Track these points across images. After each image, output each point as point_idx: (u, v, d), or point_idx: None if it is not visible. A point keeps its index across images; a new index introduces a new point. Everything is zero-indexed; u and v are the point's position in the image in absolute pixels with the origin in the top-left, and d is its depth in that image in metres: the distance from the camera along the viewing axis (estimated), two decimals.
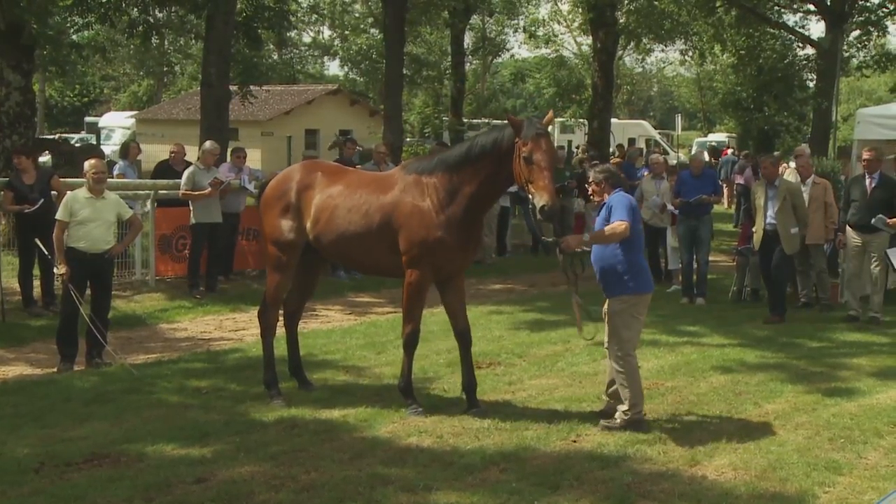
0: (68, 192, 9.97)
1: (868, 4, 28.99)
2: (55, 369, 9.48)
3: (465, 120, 35.21)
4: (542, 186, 7.04)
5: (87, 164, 9.79)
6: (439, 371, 9.26)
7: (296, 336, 8.70)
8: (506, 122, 7.48)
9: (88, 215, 9.43)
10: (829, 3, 26.66)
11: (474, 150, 7.53)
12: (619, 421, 7.32)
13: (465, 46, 37.59)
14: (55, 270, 9.86)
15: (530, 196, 7.17)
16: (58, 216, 9.53)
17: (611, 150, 26.97)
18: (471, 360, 7.96)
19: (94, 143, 37.97)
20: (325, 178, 8.04)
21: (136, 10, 19.27)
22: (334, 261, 8.32)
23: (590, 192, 7.84)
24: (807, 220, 12.33)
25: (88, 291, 9.76)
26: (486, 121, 41.33)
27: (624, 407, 7.34)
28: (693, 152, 26.60)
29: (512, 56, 64.03)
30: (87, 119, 52.45)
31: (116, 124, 45.42)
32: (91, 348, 9.65)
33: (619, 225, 7.20)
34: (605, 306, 7.52)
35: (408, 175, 7.78)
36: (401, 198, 7.65)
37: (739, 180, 23.78)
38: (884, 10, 29.07)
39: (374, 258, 7.89)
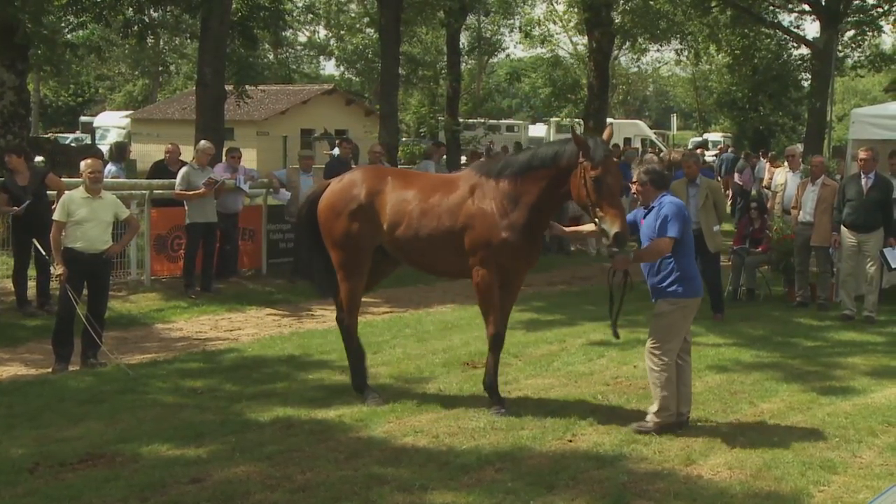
0: (65, 193, 9.95)
1: (863, 4, 29.06)
2: (50, 370, 9.46)
3: (461, 119, 35.20)
4: (614, 213, 7.08)
5: (84, 164, 9.76)
6: (435, 371, 9.25)
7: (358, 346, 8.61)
8: (567, 136, 7.51)
9: (85, 215, 9.41)
10: (823, 3, 26.73)
11: (535, 160, 7.61)
12: (650, 424, 7.25)
13: (461, 46, 37.55)
14: (52, 270, 9.83)
15: (597, 221, 7.16)
16: (55, 216, 9.51)
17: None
18: (497, 361, 8.03)
19: (90, 142, 37.94)
20: (396, 182, 8.15)
21: (131, 9, 19.24)
22: (407, 264, 8.42)
23: (633, 192, 7.85)
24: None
25: (85, 292, 9.74)
26: (482, 120, 41.48)
27: (654, 408, 7.29)
28: (688, 149, 26.61)
29: (507, 56, 64.19)
30: (82, 119, 52.43)
31: (111, 124, 45.42)
32: (86, 348, 9.64)
33: (664, 242, 7.19)
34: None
35: (474, 178, 7.90)
36: (466, 199, 7.77)
37: (738, 180, 23.79)
38: (878, 10, 29.14)
39: (444, 260, 8.00)
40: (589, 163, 7.14)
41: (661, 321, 7.32)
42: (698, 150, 33.12)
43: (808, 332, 11.50)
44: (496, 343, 7.88)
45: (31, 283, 12.12)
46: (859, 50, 33.65)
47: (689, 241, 7.42)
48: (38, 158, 19.59)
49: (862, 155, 12.25)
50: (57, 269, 9.50)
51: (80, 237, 9.41)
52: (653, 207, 7.36)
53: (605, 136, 7.44)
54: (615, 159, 7.28)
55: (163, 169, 14.59)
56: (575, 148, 7.29)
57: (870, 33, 31.83)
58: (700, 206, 11.86)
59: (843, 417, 7.71)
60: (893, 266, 12.19)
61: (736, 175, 24.19)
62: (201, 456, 6.63)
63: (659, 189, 7.42)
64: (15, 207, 11.54)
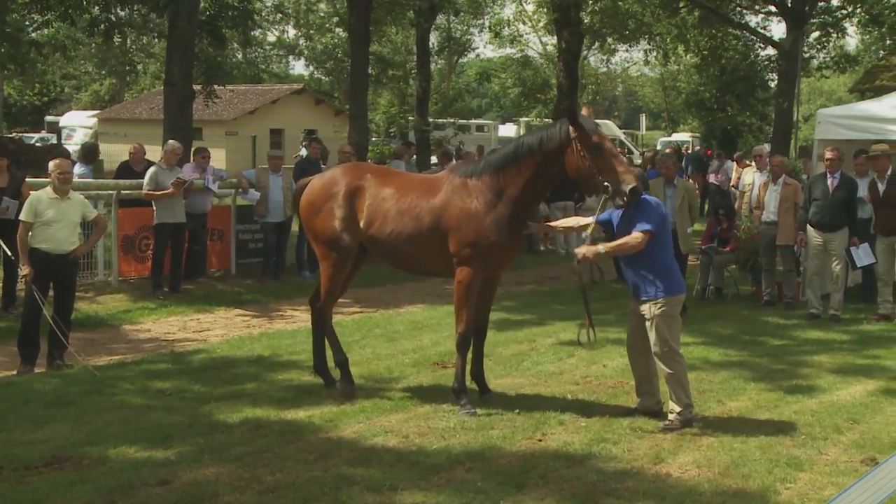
0: (32, 193, 9.84)
1: (827, 6, 29.37)
2: (15, 372, 9.36)
3: (431, 119, 35.20)
4: (624, 170, 7.29)
5: (52, 165, 9.66)
6: (405, 371, 9.25)
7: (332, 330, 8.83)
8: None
9: (53, 216, 9.33)
10: (789, 5, 26.96)
11: (521, 149, 7.70)
12: (675, 422, 7.34)
13: (431, 46, 37.55)
14: (19, 271, 9.73)
15: (607, 185, 7.25)
16: (22, 217, 9.43)
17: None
18: (482, 351, 8.36)
19: (56, 142, 37.55)
20: (375, 180, 8.23)
21: (97, 8, 19.06)
22: (384, 261, 8.57)
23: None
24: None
25: (51, 293, 9.64)
26: (452, 120, 41.43)
27: (677, 408, 7.37)
28: (659, 150, 26.77)
29: (477, 56, 64.29)
30: (48, 118, 51.89)
31: (78, 124, 45.04)
32: (52, 350, 9.54)
33: (637, 237, 7.29)
34: (636, 307, 7.55)
35: (455, 178, 7.97)
36: (449, 200, 7.83)
37: (714, 180, 23.94)
38: (842, 11, 29.46)
39: (425, 259, 8.09)
40: (584, 134, 7.34)
41: (657, 324, 7.36)
42: (682, 149, 33.32)
43: (775, 331, 11.61)
44: (463, 342, 7.90)
45: None
46: (824, 51, 33.98)
47: (668, 240, 7.52)
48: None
49: (828, 155, 12.38)
50: (23, 270, 9.39)
51: (47, 238, 9.31)
52: (630, 206, 7.42)
53: (585, 113, 7.72)
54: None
55: (128, 169, 14.46)
56: (564, 126, 7.49)
57: (834, 35, 32.15)
58: (677, 207, 11.96)
59: (810, 415, 7.79)
60: (858, 265, 12.33)
61: (711, 176, 24.35)
62: (169, 458, 6.58)
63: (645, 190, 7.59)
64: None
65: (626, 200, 7.27)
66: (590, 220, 7.88)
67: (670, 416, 7.43)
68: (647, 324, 7.41)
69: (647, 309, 7.40)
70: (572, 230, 8.93)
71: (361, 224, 8.10)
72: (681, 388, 7.40)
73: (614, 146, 7.59)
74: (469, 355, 8.09)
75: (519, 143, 7.85)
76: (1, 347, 10.46)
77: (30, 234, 9.32)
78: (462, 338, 7.89)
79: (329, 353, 8.62)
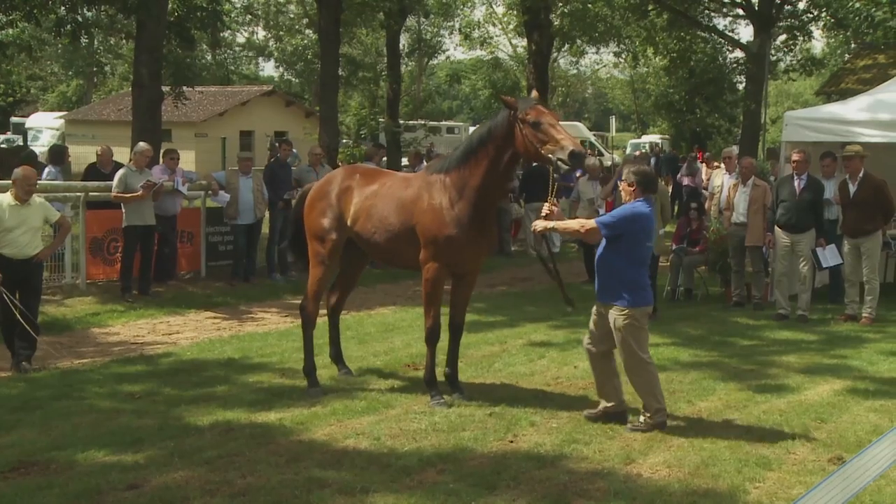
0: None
1: (794, 10, 29.68)
2: None
3: (401, 122, 35.17)
4: (561, 137, 7.31)
5: (19, 174, 9.60)
6: (376, 373, 9.23)
7: (338, 326, 9.36)
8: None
9: (14, 223, 9.32)
10: (756, 8, 27.22)
11: (473, 142, 7.92)
12: (643, 425, 7.34)
13: (401, 48, 37.55)
14: None
15: (550, 155, 7.31)
16: None
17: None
18: (457, 351, 8.43)
19: (22, 143, 37.15)
20: (362, 180, 8.58)
21: (63, 8, 18.87)
22: (372, 256, 9.02)
23: (622, 191, 7.87)
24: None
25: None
26: (423, 122, 41.45)
27: (647, 413, 7.36)
28: (627, 153, 26.93)
29: (447, 58, 64.28)
30: (14, 119, 51.28)
31: (44, 125, 44.57)
32: (19, 352, 9.47)
33: (587, 224, 7.37)
34: (601, 309, 7.46)
35: (428, 175, 8.23)
36: (419, 196, 8.08)
37: (689, 182, 24.04)
38: (808, 15, 29.78)
39: (401, 253, 8.31)
40: (522, 113, 7.49)
41: (622, 333, 7.27)
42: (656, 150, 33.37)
43: (744, 332, 11.70)
44: (431, 336, 8.15)
45: None
46: (791, 54, 34.39)
47: (641, 252, 7.35)
48: None
49: (795, 157, 12.50)
50: None
51: (8, 244, 9.31)
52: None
53: (533, 94, 7.90)
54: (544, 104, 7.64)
55: (96, 171, 14.36)
56: (506, 110, 7.69)
57: (801, 38, 32.51)
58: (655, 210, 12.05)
59: (778, 415, 7.86)
60: (824, 265, 12.46)
61: (686, 179, 24.46)
62: (139, 462, 6.54)
63: (636, 191, 7.37)
64: None
65: (570, 165, 7.33)
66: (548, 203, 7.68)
67: (640, 418, 7.42)
68: (615, 333, 7.36)
69: (612, 317, 7.32)
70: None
71: (349, 221, 8.40)
72: (651, 395, 7.36)
73: (554, 117, 7.58)
74: (442, 356, 8.20)
75: (472, 137, 8.11)
76: None
77: None
78: (429, 332, 8.14)
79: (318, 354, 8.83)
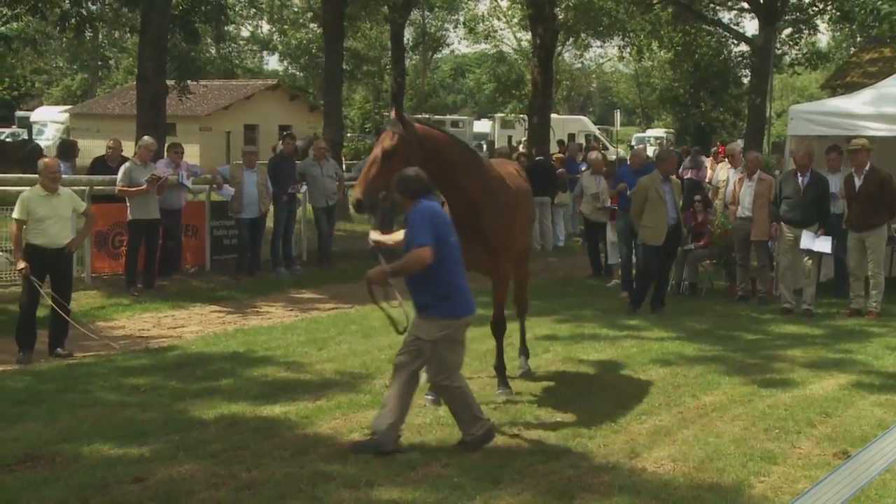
0: (23, 192, 10.10)
1: (799, 3, 29.59)
2: (14, 360, 9.59)
3: (406, 115, 35.16)
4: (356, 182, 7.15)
5: (43, 165, 10.06)
6: (381, 367, 9.22)
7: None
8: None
9: (45, 213, 9.64)
10: (761, 2, 27.14)
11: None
12: (473, 439, 6.67)
13: (405, 42, 37.50)
14: (15, 267, 10.05)
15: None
16: (14, 215, 9.74)
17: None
18: (500, 350, 8.44)
19: (27, 137, 37.17)
20: None
21: (67, 2, 18.89)
22: None
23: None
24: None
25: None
26: (427, 116, 41.41)
27: (470, 429, 6.69)
28: (634, 147, 26.90)
29: (452, 52, 64.21)
30: (19, 113, 51.35)
31: (49, 119, 44.62)
32: (53, 339, 9.86)
33: (418, 252, 6.43)
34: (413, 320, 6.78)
35: None
36: None
37: (694, 175, 23.97)
38: (814, 8, 29.69)
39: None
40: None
41: (436, 347, 6.59)
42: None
43: (749, 326, 11.68)
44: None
45: None
46: (797, 48, 34.26)
47: (448, 253, 6.58)
48: None
49: (798, 159, 12.48)
50: (18, 265, 9.70)
51: (41, 234, 9.64)
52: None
53: (392, 114, 7.65)
54: (386, 132, 7.21)
55: (103, 165, 14.38)
56: None
57: (806, 31, 32.44)
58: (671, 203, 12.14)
59: (783, 409, 7.84)
60: (802, 246, 12.35)
61: (689, 171, 24.38)
62: (144, 455, 6.55)
63: (411, 198, 6.62)
64: None
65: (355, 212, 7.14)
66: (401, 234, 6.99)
67: (464, 437, 6.75)
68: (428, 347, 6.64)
69: (427, 329, 6.60)
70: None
71: None
72: (465, 408, 6.68)
73: (375, 151, 7.16)
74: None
75: None
76: None
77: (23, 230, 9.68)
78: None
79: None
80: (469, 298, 6.76)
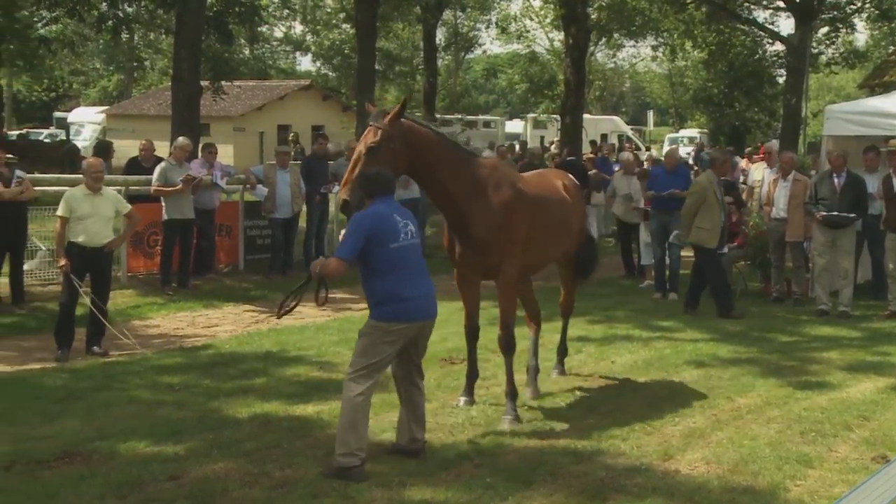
0: (68, 190, 10.28)
1: (837, 1, 29.26)
2: (53, 358, 9.66)
3: (438, 115, 35.20)
4: (343, 181, 6.78)
5: (86, 164, 10.38)
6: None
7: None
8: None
9: (87, 211, 9.79)
10: (797, 0, 26.86)
11: None
12: (331, 466, 6.18)
13: (438, 42, 37.57)
14: (56, 264, 10.21)
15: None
16: (58, 213, 9.91)
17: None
18: (509, 368, 7.67)
19: (65, 138, 37.60)
20: None
21: (104, 4, 19.09)
22: None
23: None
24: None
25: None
26: (459, 116, 41.45)
27: (339, 451, 6.14)
28: (666, 148, 26.74)
29: (484, 52, 64.14)
30: (57, 114, 51.94)
31: (86, 119, 45.06)
32: (91, 338, 9.96)
33: (332, 263, 6.32)
34: None
35: None
36: None
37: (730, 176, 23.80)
38: (851, 6, 29.35)
39: None
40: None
41: (358, 344, 6.37)
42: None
43: (784, 327, 11.57)
44: (467, 334, 8.03)
45: (4, 281, 12.01)
46: (833, 47, 33.92)
47: (388, 260, 6.25)
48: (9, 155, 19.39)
49: (833, 160, 12.38)
50: (59, 262, 9.86)
51: (82, 232, 9.78)
52: None
53: (372, 110, 7.21)
54: (370, 129, 6.83)
55: (137, 165, 14.51)
56: None
57: (843, 30, 32.07)
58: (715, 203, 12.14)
59: (819, 412, 7.77)
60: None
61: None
62: (179, 453, 6.60)
63: (369, 197, 6.40)
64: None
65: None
66: None
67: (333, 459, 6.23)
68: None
69: (364, 326, 6.44)
70: None
71: None
72: (350, 427, 6.12)
73: (359, 148, 6.89)
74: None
75: None
76: (10, 343, 10.54)
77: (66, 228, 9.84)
78: (465, 329, 8.02)
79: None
80: (412, 306, 6.27)
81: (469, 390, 7.95)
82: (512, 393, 7.54)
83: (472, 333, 7.96)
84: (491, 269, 7.52)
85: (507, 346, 7.65)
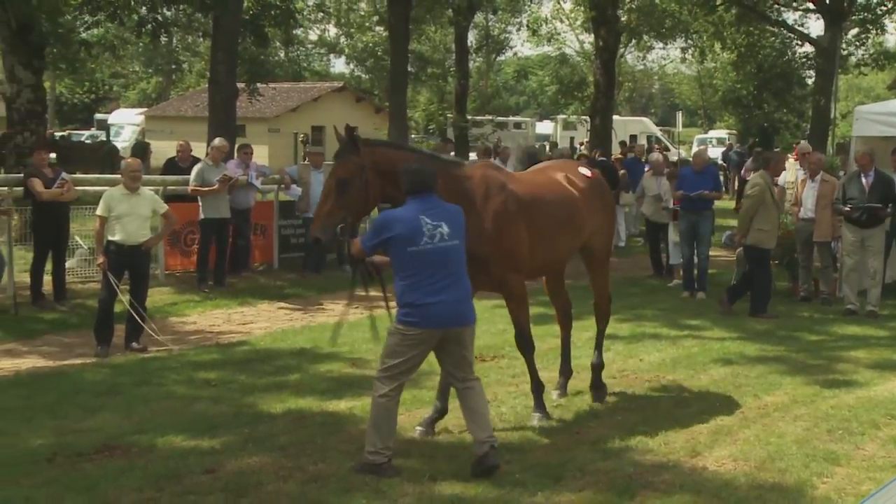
0: (107, 190, 10.42)
1: (867, 3, 28.93)
2: (93, 354, 9.81)
3: (469, 117, 35.15)
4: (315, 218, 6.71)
5: (124, 164, 10.62)
6: None
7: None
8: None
9: (124, 210, 9.92)
10: (827, 2, 26.60)
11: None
12: (361, 463, 6.15)
13: (469, 44, 37.51)
14: (97, 262, 10.30)
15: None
16: (97, 212, 10.04)
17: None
18: (533, 369, 7.48)
19: (105, 139, 37.95)
20: None
21: (144, 8, 19.26)
22: None
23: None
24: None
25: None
26: (490, 118, 41.36)
27: (366, 447, 6.14)
28: (695, 149, 26.57)
29: (515, 54, 64.04)
30: (98, 116, 52.45)
31: (126, 121, 45.46)
32: (129, 334, 10.09)
33: (356, 242, 6.39)
34: None
35: None
36: None
37: (749, 176, 23.63)
38: (882, 8, 29.01)
39: None
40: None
41: (387, 341, 6.29)
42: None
43: (811, 327, 11.49)
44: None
45: (48, 278, 12.16)
46: (863, 48, 33.53)
47: (405, 261, 6.09)
48: (52, 155, 19.69)
49: (858, 158, 12.27)
50: (98, 260, 10.01)
51: (119, 230, 9.89)
52: None
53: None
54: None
55: (173, 166, 14.63)
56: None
57: (873, 31, 31.70)
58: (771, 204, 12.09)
59: (847, 410, 7.70)
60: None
61: (752, 173, 24.03)
62: (215, 447, 6.66)
63: (403, 195, 6.29)
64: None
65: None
66: None
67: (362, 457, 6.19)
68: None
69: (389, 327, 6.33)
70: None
71: None
72: (374, 427, 6.13)
73: (329, 182, 6.69)
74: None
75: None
76: (53, 338, 10.69)
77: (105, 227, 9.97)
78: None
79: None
80: (428, 312, 6.05)
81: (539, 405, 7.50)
82: (538, 389, 7.44)
83: (525, 345, 7.49)
84: (496, 283, 7.14)
85: (525, 346, 7.39)
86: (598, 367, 8.19)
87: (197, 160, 14.16)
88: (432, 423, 7.05)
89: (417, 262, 6.05)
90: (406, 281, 6.08)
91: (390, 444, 6.13)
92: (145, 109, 49.91)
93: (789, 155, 19.39)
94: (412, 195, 6.20)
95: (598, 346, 8.32)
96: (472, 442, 6.25)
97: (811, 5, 28.66)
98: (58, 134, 37.71)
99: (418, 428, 7.00)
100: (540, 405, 7.40)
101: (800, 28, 33.13)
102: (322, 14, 53.00)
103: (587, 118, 30.31)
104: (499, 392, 8.19)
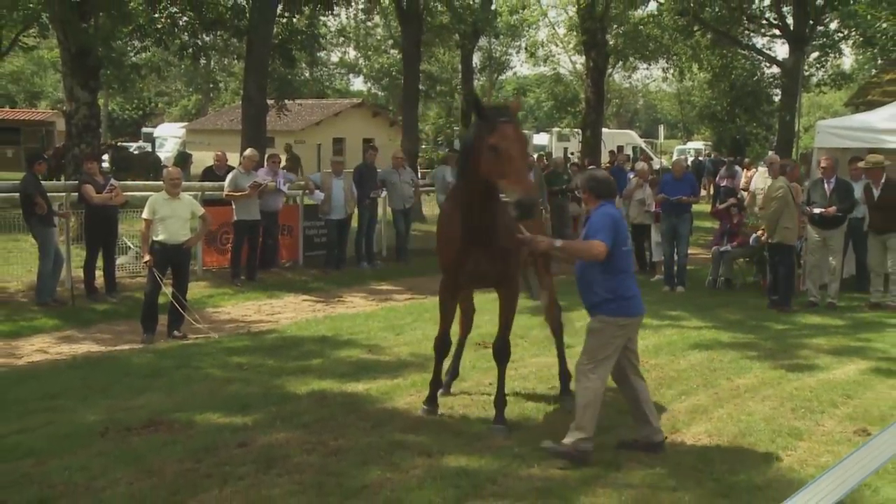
0: (152, 195, 10.48)
1: (826, 30, 28.89)
2: (140, 340, 9.86)
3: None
4: (514, 179, 5.57)
5: (166, 172, 10.73)
6: (451, 350, 9.23)
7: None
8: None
9: (167, 213, 9.97)
10: (791, 28, 26.53)
11: (465, 149, 6.31)
12: (562, 449, 5.90)
13: (474, 65, 37.44)
14: (142, 260, 10.35)
15: (503, 194, 5.67)
16: (143, 215, 10.10)
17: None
18: (502, 380, 6.73)
19: (150, 150, 37.98)
20: None
21: (186, 34, 19.32)
22: None
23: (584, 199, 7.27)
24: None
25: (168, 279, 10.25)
26: None
27: (574, 429, 5.93)
28: (674, 158, 26.51)
29: (514, 73, 63.84)
30: (144, 130, 52.51)
31: (169, 134, 45.52)
32: (171, 323, 10.10)
33: (597, 245, 5.80)
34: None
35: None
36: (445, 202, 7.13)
37: (725, 183, 23.57)
38: (839, 34, 28.99)
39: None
40: (483, 133, 5.80)
41: (590, 338, 5.99)
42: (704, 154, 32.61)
43: (778, 317, 11.45)
44: (436, 345, 7.07)
45: (99, 274, 12.20)
46: (823, 69, 33.49)
47: (621, 259, 5.96)
48: (104, 164, 19.73)
49: (822, 164, 12.23)
50: (145, 258, 10.03)
51: (162, 231, 9.95)
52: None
53: (512, 107, 6.03)
54: (514, 126, 5.78)
55: (211, 173, 14.67)
56: (478, 122, 5.97)
57: (832, 55, 31.64)
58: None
59: (808, 391, 7.68)
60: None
61: (726, 180, 23.98)
62: (247, 423, 6.66)
63: (598, 198, 6.06)
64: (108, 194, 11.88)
65: (515, 213, 5.60)
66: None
67: (566, 438, 5.94)
68: (586, 335, 6.05)
69: (590, 322, 6.05)
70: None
71: None
72: (582, 410, 5.90)
73: (518, 143, 5.73)
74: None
75: (463, 141, 6.62)
76: (105, 327, 10.71)
77: (150, 228, 10.03)
78: (435, 340, 7.07)
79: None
80: (637, 301, 6.04)
81: (432, 398, 7.00)
82: (502, 403, 6.65)
83: (443, 348, 7.03)
84: (499, 278, 6.55)
85: (504, 354, 6.73)
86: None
87: (231, 168, 14.18)
88: (448, 386, 7.41)
89: (626, 259, 6.07)
90: (619, 276, 5.96)
91: (592, 434, 5.92)
92: (186, 123, 49.89)
93: (760, 165, 19.36)
94: (605, 200, 6.10)
95: (561, 362, 7.78)
96: (648, 429, 6.09)
97: (777, 31, 28.56)
98: (121, 144, 37.86)
99: (440, 390, 7.17)
100: (501, 419, 6.58)
101: (767, 51, 33.10)
102: (343, 38, 53.02)
103: (579, 131, 30.24)
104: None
